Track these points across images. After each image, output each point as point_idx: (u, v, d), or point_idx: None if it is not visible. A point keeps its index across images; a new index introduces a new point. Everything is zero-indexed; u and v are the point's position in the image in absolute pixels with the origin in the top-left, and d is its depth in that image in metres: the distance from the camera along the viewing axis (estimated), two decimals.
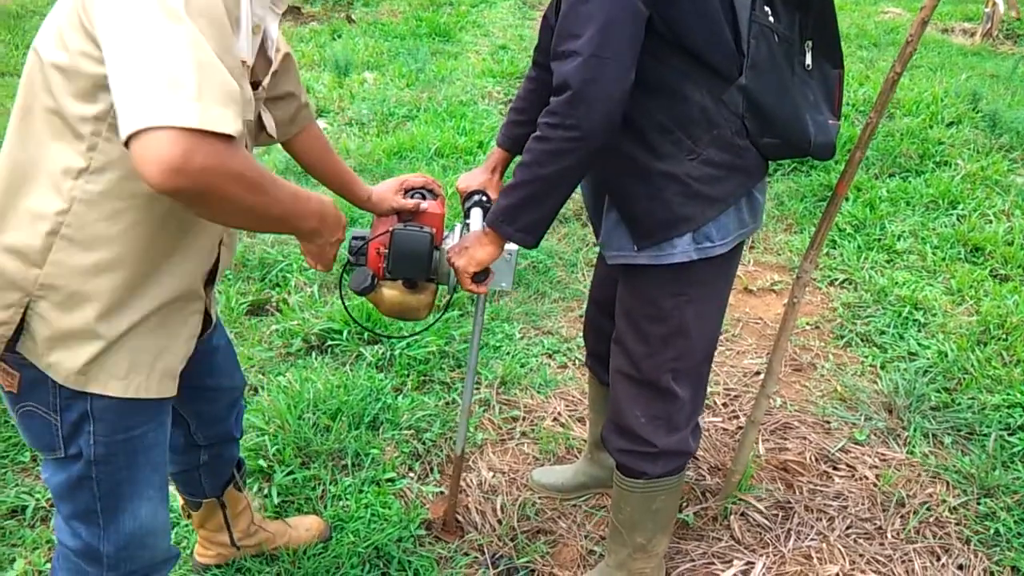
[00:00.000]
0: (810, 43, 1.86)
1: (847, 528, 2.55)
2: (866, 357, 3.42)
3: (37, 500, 2.47)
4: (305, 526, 2.38)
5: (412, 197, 2.05)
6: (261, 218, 1.31)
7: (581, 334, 3.47)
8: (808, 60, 1.87)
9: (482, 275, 1.89)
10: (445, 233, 2.03)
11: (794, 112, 1.81)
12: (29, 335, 1.41)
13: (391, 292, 1.94)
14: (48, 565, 2.27)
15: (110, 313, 1.42)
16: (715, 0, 1.68)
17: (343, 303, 2.15)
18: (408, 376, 3.11)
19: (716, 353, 3.33)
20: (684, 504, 2.61)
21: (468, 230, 2.01)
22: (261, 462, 2.62)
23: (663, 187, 1.78)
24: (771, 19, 1.75)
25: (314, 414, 2.79)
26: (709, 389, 3.14)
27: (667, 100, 1.74)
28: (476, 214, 2.07)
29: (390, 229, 1.89)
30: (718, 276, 1.95)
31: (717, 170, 1.78)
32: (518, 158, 2.21)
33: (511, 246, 1.99)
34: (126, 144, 1.11)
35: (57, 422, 1.47)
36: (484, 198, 2.14)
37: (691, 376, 2.02)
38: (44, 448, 1.52)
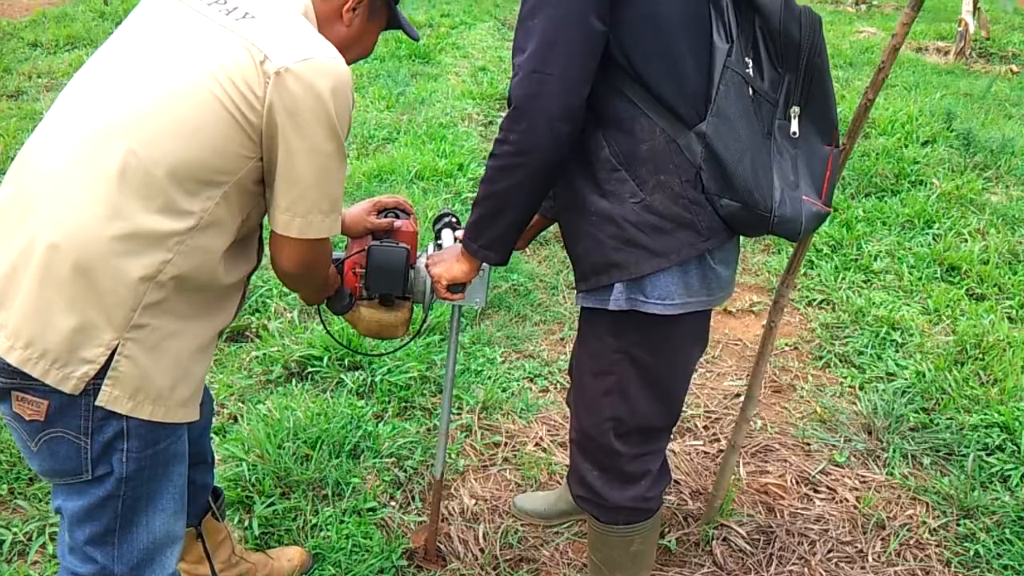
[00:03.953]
0: (797, 110, 1.73)
1: (828, 552, 2.56)
2: (845, 378, 3.44)
3: (14, 534, 2.44)
4: (287, 557, 2.36)
5: (385, 217, 2.08)
6: (320, 291, 1.86)
7: (562, 357, 3.49)
8: (794, 128, 1.73)
9: (458, 287, 1.92)
10: (419, 252, 2.05)
11: (757, 174, 1.66)
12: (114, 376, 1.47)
13: (368, 310, 1.99)
14: None
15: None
16: (685, 37, 1.64)
17: (324, 327, 2.16)
18: (389, 402, 3.10)
19: (696, 375, 3.38)
20: (666, 529, 2.60)
21: (439, 249, 2.04)
22: (241, 492, 2.60)
23: (600, 227, 1.72)
24: (748, 71, 1.67)
25: (294, 443, 2.78)
26: (689, 412, 3.16)
27: (617, 133, 1.68)
28: (446, 234, 2.12)
29: (365, 247, 1.92)
30: (663, 340, 1.81)
31: (660, 220, 1.68)
32: None
33: None
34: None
35: (87, 445, 1.50)
36: (454, 219, 2.16)
37: (638, 435, 1.92)
38: (68, 473, 1.53)
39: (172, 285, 1.48)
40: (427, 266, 1.94)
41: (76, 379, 1.44)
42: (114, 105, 1.46)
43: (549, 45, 1.57)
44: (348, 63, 1.69)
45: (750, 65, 1.68)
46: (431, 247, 2.09)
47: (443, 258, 1.92)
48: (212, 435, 2.82)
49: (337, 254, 1.98)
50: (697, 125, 1.65)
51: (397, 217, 2.08)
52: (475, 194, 1.77)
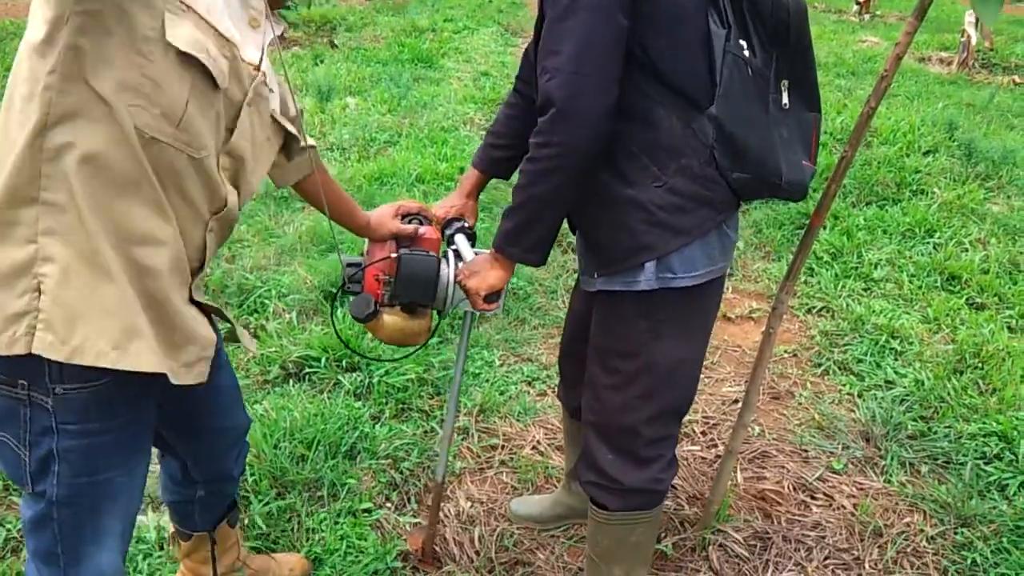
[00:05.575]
0: (786, 83, 1.84)
1: (825, 559, 2.55)
2: (844, 385, 3.43)
3: (8, 530, 2.44)
4: (289, 565, 2.34)
5: (409, 222, 2.06)
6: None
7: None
8: (785, 99, 1.84)
9: (493, 296, 1.92)
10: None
11: (765, 146, 1.78)
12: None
13: (391, 318, 1.95)
14: None
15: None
16: (692, 29, 1.69)
17: (335, 330, 2.16)
18: (386, 404, 3.09)
19: None
20: (662, 534, 2.60)
21: (457, 256, 2.02)
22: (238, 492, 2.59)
23: (627, 213, 1.78)
24: (746, 52, 1.75)
25: (290, 443, 2.77)
26: (688, 417, 3.15)
27: (636, 125, 1.73)
28: (461, 239, 2.09)
29: (393, 255, 1.92)
30: (689, 311, 1.90)
31: (683, 200, 1.76)
32: (494, 181, 2.23)
33: None
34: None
35: (26, 457, 1.45)
36: (465, 223, 2.15)
37: (661, 417, 1.97)
38: (16, 480, 1.50)
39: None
40: (459, 279, 1.92)
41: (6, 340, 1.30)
42: None
43: (586, 46, 1.60)
44: None
45: (745, 47, 1.76)
46: (451, 254, 2.05)
47: (476, 269, 1.91)
48: None
49: (356, 259, 1.97)
50: (707, 108, 1.72)
51: (421, 223, 2.07)
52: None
